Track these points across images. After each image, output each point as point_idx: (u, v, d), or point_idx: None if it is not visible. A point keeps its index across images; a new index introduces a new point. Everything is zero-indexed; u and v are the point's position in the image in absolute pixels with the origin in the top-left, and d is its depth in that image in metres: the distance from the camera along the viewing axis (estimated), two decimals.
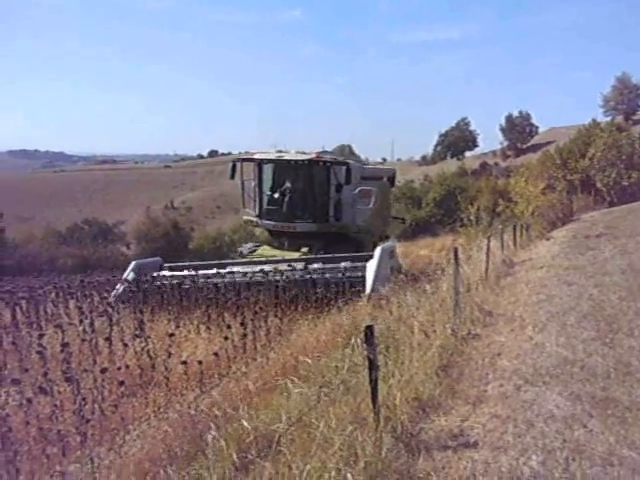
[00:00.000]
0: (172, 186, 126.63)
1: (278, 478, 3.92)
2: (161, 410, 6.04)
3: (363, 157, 23.44)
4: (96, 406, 5.93)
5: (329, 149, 19.08)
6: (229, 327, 8.87)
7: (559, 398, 5.20)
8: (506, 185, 29.14)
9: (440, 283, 8.78)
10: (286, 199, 15.67)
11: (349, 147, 21.48)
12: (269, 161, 16.04)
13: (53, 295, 11.88)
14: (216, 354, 7.71)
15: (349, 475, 3.68)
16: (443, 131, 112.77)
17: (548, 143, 75.47)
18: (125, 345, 7.89)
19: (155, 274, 13.50)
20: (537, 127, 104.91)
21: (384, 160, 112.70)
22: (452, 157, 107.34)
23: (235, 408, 5.53)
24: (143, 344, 7.73)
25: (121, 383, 6.43)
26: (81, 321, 9.26)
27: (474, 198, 27.14)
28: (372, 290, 10.75)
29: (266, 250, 15.72)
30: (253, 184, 16.41)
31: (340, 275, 11.86)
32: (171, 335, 8.16)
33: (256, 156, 16.35)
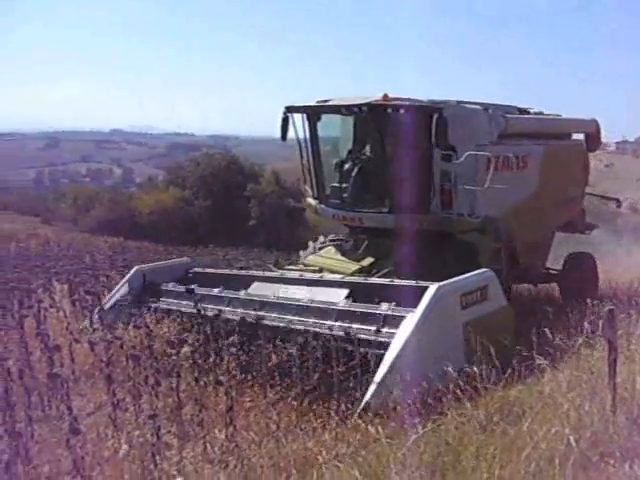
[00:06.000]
0: None
1: (514, 439, 4.51)
2: None
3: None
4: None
5: None
6: None
7: None
8: None
9: None
10: (353, 173, 9.33)
11: None
12: (316, 110, 9.78)
13: None
14: None
15: (571, 438, 4.14)
16: None
17: None
18: None
19: (166, 287, 9.06)
20: None
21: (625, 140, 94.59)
22: None
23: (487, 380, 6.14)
24: None
25: None
26: None
27: None
28: (377, 393, 5.69)
29: (323, 256, 10.06)
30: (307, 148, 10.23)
31: (369, 331, 6.42)
32: None
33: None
